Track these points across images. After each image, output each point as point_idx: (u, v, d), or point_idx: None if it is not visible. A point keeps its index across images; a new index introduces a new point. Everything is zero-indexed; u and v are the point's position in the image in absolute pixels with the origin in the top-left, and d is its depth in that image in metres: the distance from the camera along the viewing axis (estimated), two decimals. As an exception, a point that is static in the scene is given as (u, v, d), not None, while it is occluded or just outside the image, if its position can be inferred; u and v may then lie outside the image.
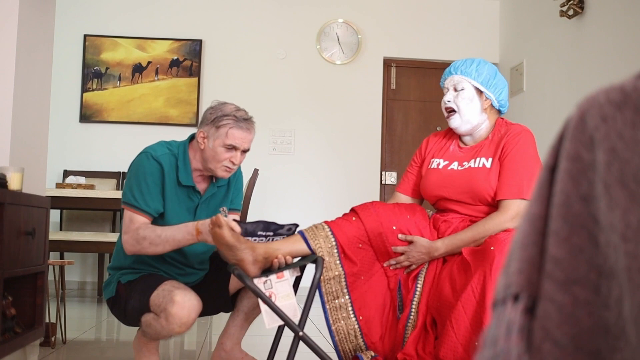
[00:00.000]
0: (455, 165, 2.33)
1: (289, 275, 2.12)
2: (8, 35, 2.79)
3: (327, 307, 2.17)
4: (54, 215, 5.25)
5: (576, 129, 0.52)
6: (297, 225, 2.23)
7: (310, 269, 2.15)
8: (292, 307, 2.07)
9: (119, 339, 3.63)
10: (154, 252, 2.23)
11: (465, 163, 2.31)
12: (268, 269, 2.13)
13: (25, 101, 2.91)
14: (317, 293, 2.14)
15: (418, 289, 2.18)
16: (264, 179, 5.38)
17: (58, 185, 4.64)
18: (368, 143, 5.95)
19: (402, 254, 2.20)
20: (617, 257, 0.49)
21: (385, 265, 2.23)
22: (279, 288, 2.08)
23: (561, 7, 4.72)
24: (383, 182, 6.01)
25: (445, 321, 2.02)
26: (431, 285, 2.16)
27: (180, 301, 2.11)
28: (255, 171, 4.41)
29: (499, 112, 2.40)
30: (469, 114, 2.32)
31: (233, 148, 2.27)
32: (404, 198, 2.47)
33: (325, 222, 2.23)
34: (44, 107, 3.14)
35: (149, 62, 5.84)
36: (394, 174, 6.03)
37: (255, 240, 2.13)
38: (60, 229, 5.44)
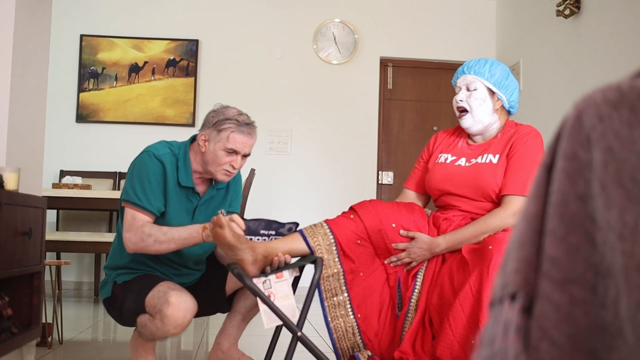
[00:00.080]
0: (462, 162, 2.34)
1: (288, 276, 2.12)
2: (4, 35, 2.79)
3: (326, 304, 2.17)
4: (51, 215, 5.24)
5: (573, 129, 0.52)
6: (297, 224, 2.23)
7: (309, 269, 2.15)
8: (290, 307, 2.07)
9: (116, 339, 3.62)
10: (157, 251, 2.21)
11: (472, 160, 2.32)
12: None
13: (21, 101, 2.90)
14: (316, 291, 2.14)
15: (417, 287, 2.18)
16: (260, 179, 5.38)
17: (54, 186, 4.64)
18: (365, 143, 5.95)
19: (402, 250, 2.20)
20: (613, 256, 0.49)
21: (385, 262, 2.23)
22: (278, 288, 2.08)
23: (557, 6, 4.73)
24: (380, 182, 6.01)
25: (444, 319, 2.03)
26: (430, 283, 2.17)
27: (175, 302, 2.10)
28: (252, 171, 4.41)
29: (509, 112, 2.41)
30: (480, 114, 2.33)
31: (234, 152, 2.26)
32: (411, 194, 2.49)
33: (325, 220, 2.24)
34: (40, 107, 3.13)
35: (145, 62, 5.83)
36: (391, 174, 6.03)
37: (257, 239, 2.13)
38: (57, 229, 5.43)
